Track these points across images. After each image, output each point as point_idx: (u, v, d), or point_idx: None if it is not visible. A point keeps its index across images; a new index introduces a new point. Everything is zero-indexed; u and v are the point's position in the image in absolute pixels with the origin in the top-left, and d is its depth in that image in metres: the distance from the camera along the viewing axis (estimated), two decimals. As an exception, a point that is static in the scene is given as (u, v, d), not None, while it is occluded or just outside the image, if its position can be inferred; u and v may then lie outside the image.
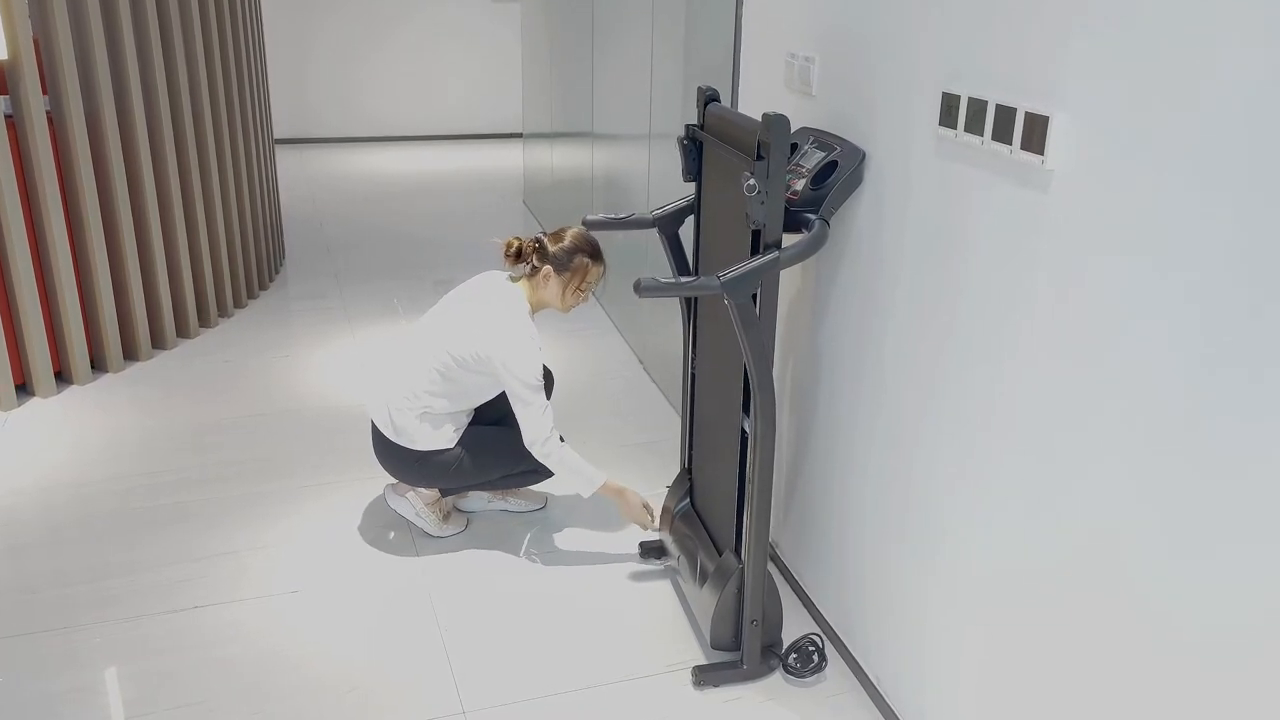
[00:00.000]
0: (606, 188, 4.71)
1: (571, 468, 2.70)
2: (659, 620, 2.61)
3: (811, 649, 2.40)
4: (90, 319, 3.94)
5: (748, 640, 2.35)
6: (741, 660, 2.38)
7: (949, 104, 1.84)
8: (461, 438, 2.80)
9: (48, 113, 3.62)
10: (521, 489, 3.12)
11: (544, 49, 5.91)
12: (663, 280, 2.02)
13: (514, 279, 2.78)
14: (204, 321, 4.55)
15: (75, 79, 3.63)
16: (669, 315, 3.84)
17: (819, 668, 2.41)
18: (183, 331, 4.39)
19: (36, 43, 3.59)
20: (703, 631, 2.51)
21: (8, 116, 3.53)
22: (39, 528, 2.94)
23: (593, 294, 2.82)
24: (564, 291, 2.73)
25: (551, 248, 2.70)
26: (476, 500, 3.09)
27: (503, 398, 2.90)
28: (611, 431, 3.64)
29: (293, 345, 4.37)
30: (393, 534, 2.96)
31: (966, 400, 1.89)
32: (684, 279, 2.03)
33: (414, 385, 2.74)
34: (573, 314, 4.79)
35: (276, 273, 5.38)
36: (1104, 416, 1.54)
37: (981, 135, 1.75)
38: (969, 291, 1.85)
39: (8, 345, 3.64)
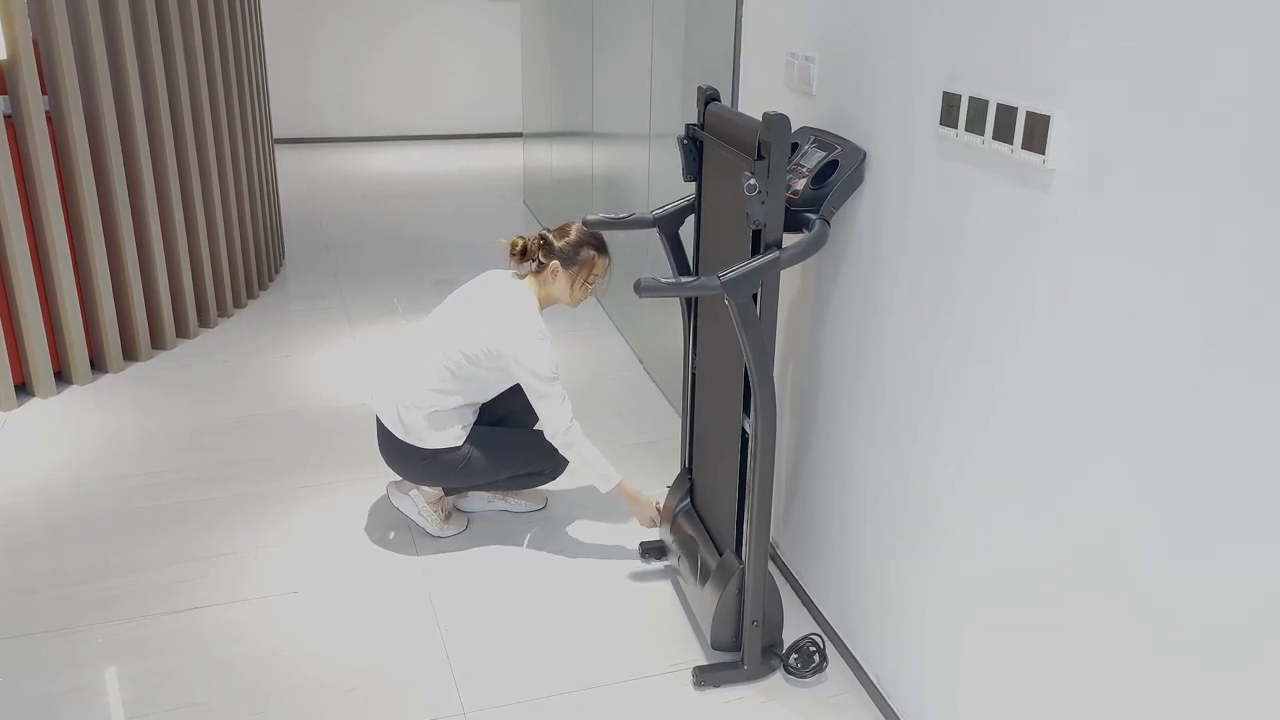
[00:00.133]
0: (607, 187, 4.71)
1: (590, 460, 2.71)
2: (659, 620, 2.61)
3: (812, 649, 2.40)
4: (90, 319, 3.94)
5: (748, 640, 2.35)
6: (742, 660, 2.38)
7: (950, 103, 1.84)
8: (469, 437, 2.80)
9: (47, 113, 3.62)
10: (523, 490, 3.12)
11: (544, 49, 5.91)
12: (663, 280, 2.01)
13: (519, 276, 2.78)
14: (204, 321, 4.55)
15: (74, 79, 3.63)
16: (669, 315, 3.84)
17: (820, 668, 2.41)
18: (182, 332, 4.38)
19: (36, 43, 3.59)
20: (703, 632, 2.51)
21: (7, 117, 3.52)
22: (39, 528, 2.94)
23: (598, 290, 2.83)
24: (572, 286, 2.74)
25: (557, 243, 2.71)
26: (477, 500, 3.09)
27: (505, 398, 2.90)
28: (612, 431, 3.64)
29: (292, 345, 4.37)
30: (393, 534, 2.95)
31: (966, 399, 1.89)
32: (684, 279, 2.03)
33: (424, 383, 2.73)
34: (573, 314, 4.79)
35: (276, 273, 5.38)
36: (1103, 416, 1.54)
37: (982, 135, 1.75)
38: (969, 291, 1.85)
39: (7, 345, 3.64)
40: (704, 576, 2.46)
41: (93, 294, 3.90)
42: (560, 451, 2.70)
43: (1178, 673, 1.44)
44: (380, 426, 2.82)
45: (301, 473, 3.30)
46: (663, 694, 2.35)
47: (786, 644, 2.42)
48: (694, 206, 2.54)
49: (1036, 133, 1.61)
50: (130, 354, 4.13)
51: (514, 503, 3.10)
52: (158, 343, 4.26)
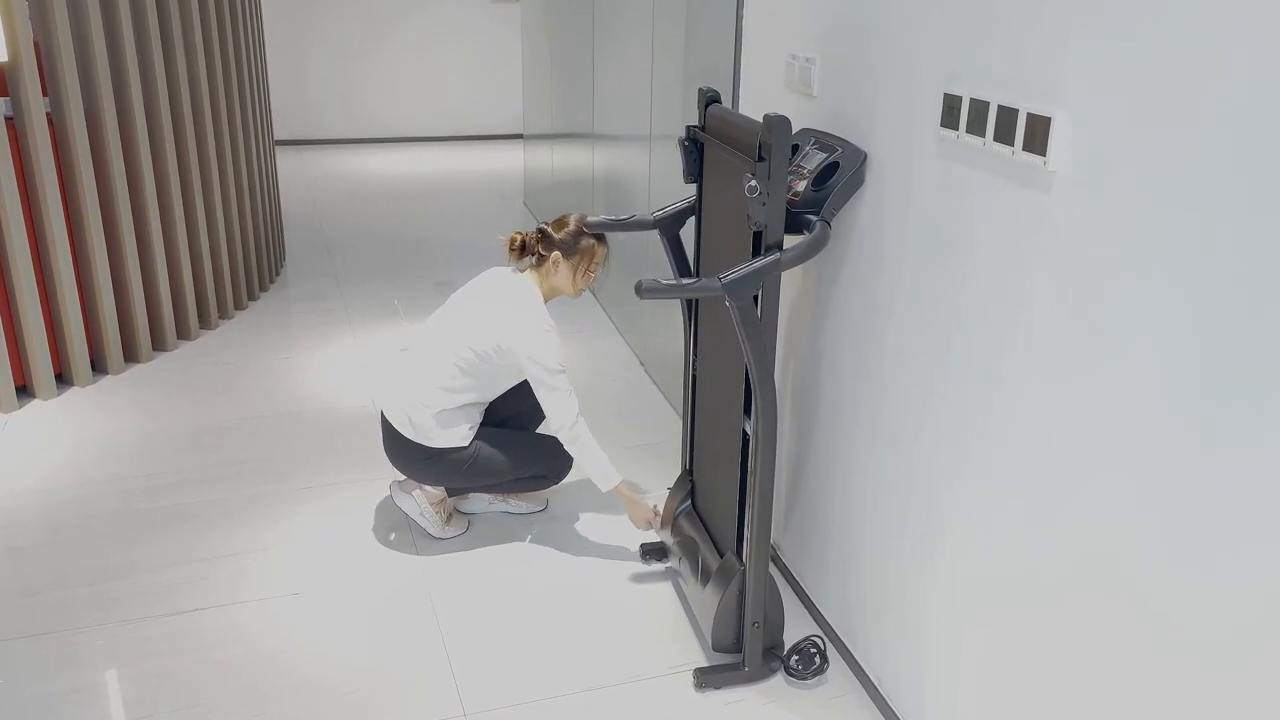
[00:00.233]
0: (607, 189, 4.71)
1: (594, 457, 2.71)
2: (660, 622, 2.61)
3: (813, 651, 2.40)
4: (91, 321, 3.94)
5: (749, 642, 2.35)
6: (743, 662, 2.38)
7: (950, 105, 1.84)
8: (475, 437, 2.80)
9: (48, 114, 3.62)
10: (525, 492, 3.12)
11: (544, 49, 5.91)
12: (664, 282, 2.01)
13: (520, 271, 2.79)
14: (204, 323, 4.55)
15: (75, 80, 3.63)
16: (670, 316, 3.84)
17: (820, 669, 2.40)
18: (183, 333, 4.38)
19: (37, 45, 3.59)
20: (704, 633, 2.51)
21: (8, 118, 3.52)
22: (39, 529, 2.94)
23: (596, 283, 2.86)
24: (574, 276, 2.76)
25: (557, 234, 2.73)
26: (478, 502, 3.08)
27: (510, 400, 2.90)
28: (613, 433, 3.64)
29: (293, 347, 4.37)
30: (393, 535, 2.95)
31: (967, 401, 1.89)
32: (685, 281, 2.03)
33: (433, 381, 2.73)
34: (573, 316, 4.79)
35: (277, 274, 5.38)
36: (1104, 419, 1.54)
37: (983, 136, 1.75)
38: (970, 292, 1.85)
39: (8, 347, 3.64)
40: (705, 578, 2.46)
41: (93, 295, 3.90)
42: (565, 446, 2.70)
43: (1177, 673, 1.44)
44: (386, 425, 2.82)
45: (302, 474, 3.30)
46: (663, 695, 2.34)
47: (787, 645, 2.42)
48: (695, 208, 2.54)
49: (1037, 134, 1.61)
50: (131, 355, 4.13)
51: (515, 504, 3.10)
52: (158, 344, 4.26)
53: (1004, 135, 1.69)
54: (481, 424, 2.86)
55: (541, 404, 2.69)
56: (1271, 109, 1.22)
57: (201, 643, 2.48)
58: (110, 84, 3.80)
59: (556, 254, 2.72)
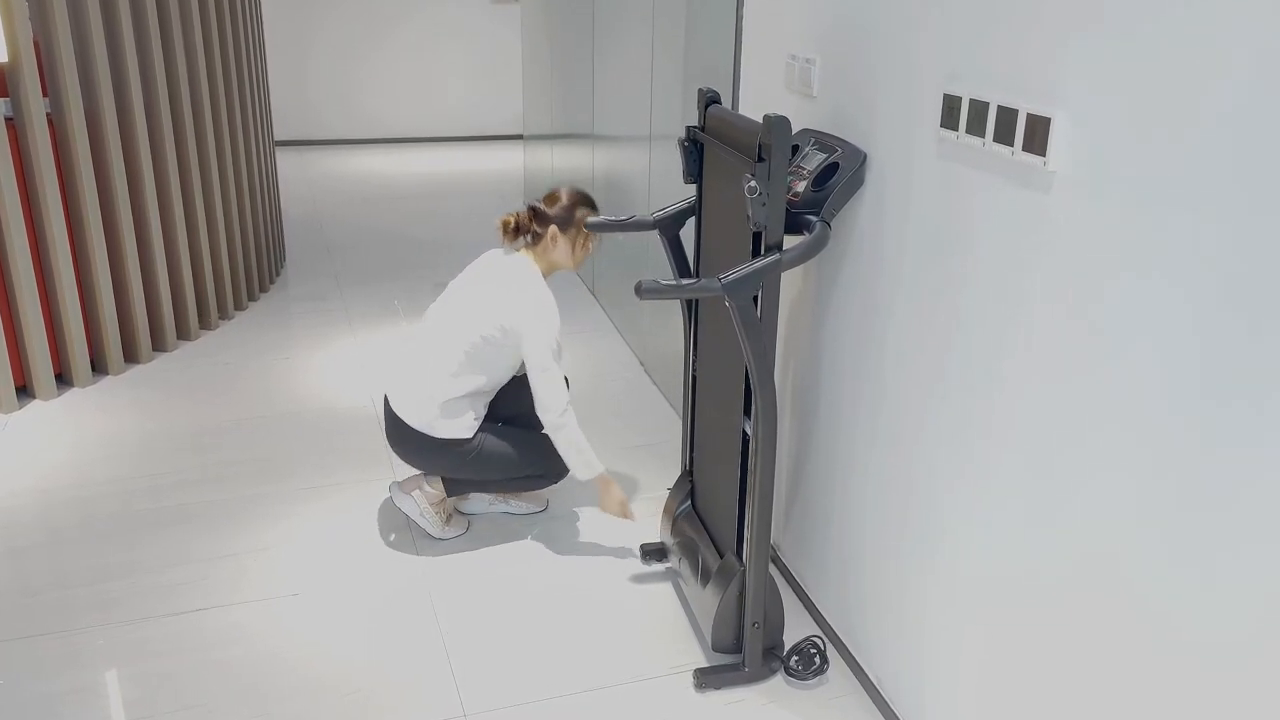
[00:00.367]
0: (607, 189, 4.71)
1: (578, 446, 2.71)
2: (660, 623, 2.61)
3: (813, 651, 2.40)
4: (91, 321, 3.94)
5: (749, 642, 2.35)
6: (743, 663, 2.38)
7: (950, 105, 1.84)
8: (479, 430, 2.79)
9: (48, 115, 3.62)
10: (524, 492, 3.12)
11: (544, 50, 5.91)
12: (664, 282, 2.01)
13: (516, 251, 2.79)
14: (204, 323, 4.55)
15: (75, 81, 3.63)
16: (670, 317, 3.84)
17: (820, 670, 2.40)
18: (183, 333, 4.39)
19: (37, 45, 3.59)
20: (704, 634, 2.51)
21: (8, 119, 3.52)
22: (39, 530, 2.94)
23: (593, 256, 2.86)
24: (573, 248, 2.77)
25: (550, 209, 2.73)
26: (478, 502, 3.09)
27: (512, 399, 2.90)
28: (613, 433, 3.64)
29: (293, 347, 4.37)
30: (393, 535, 2.95)
31: (967, 401, 1.89)
32: (685, 281, 2.03)
33: (440, 369, 2.73)
34: (573, 316, 4.79)
35: (277, 275, 5.38)
36: (1104, 419, 1.54)
37: (983, 137, 1.75)
38: (970, 292, 1.85)
39: (8, 348, 3.64)
40: (705, 578, 2.46)
41: (93, 296, 3.90)
42: (550, 433, 2.70)
43: (1177, 673, 1.44)
44: (389, 414, 2.82)
45: (302, 474, 3.30)
46: (664, 696, 2.34)
47: (787, 646, 2.42)
48: (695, 209, 2.54)
49: (1037, 135, 1.61)
50: (131, 356, 4.13)
51: (516, 504, 3.10)
52: (158, 344, 4.26)
53: (1004, 135, 1.69)
54: (487, 418, 2.86)
55: (533, 387, 2.68)
56: (1271, 109, 1.22)
57: (202, 643, 2.48)
58: (110, 84, 3.80)
59: (553, 228, 2.72)
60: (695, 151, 2.45)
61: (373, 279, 5.32)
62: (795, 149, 2.33)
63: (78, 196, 3.75)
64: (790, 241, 2.07)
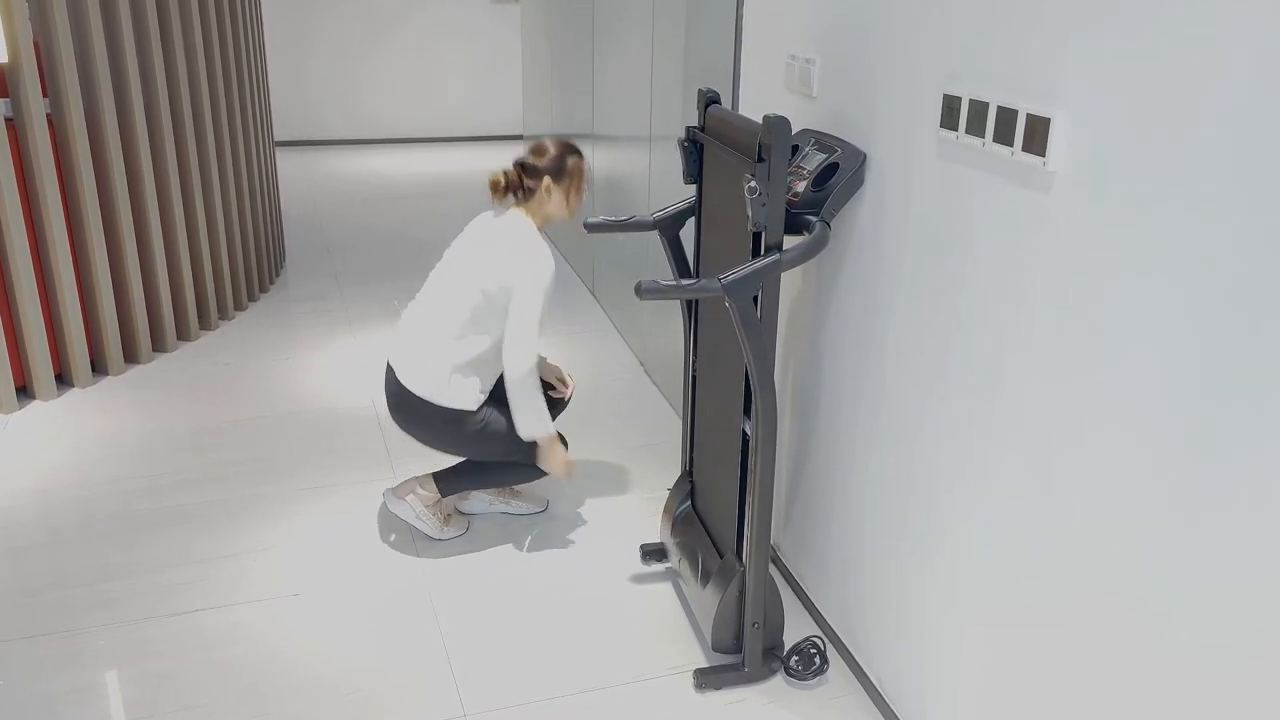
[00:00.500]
0: (607, 189, 4.71)
1: (537, 407, 2.68)
2: (660, 623, 2.61)
3: (813, 651, 2.40)
4: (91, 322, 3.94)
5: (749, 643, 2.35)
6: (743, 663, 2.38)
7: (950, 105, 1.84)
8: (485, 404, 2.76)
9: (48, 115, 3.62)
10: (524, 492, 3.12)
11: (544, 50, 5.91)
12: (664, 283, 2.02)
13: (508, 209, 2.76)
14: (204, 324, 4.55)
15: (75, 81, 3.63)
16: (670, 317, 3.84)
17: (820, 670, 2.40)
18: (183, 334, 4.39)
19: (37, 45, 3.59)
20: (704, 634, 2.51)
21: (8, 119, 3.53)
22: (39, 530, 2.94)
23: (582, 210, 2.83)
24: (568, 197, 2.75)
25: (541, 162, 2.70)
26: (478, 502, 3.09)
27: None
28: (613, 434, 3.64)
29: (293, 348, 4.37)
30: (393, 535, 2.95)
31: (967, 401, 1.89)
32: (685, 281, 2.03)
33: (445, 332, 2.69)
34: (573, 316, 4.79)
35: (277, 275, 5.38)
36: (1104, 419, 1.54)
37: (983, 137, 1.75)
38: (970, 293, 1.85)
39: (9, 348, 3.65)
40: (705, 578, 2.46)
41: (94, 296, 3.90)
42: (510, 390, 2.65)
43: (1177, 674, 1.44)
44: (391, 382, 2.77)
45: (302, 475, 3.30)
46: (664, 696, 2.35)
47: (787, 646, 2.42)
48: (694, 209, 2.54)
49: (1037, 135, 1.61)
50: (131, 356, 4.14)
51: (515, 505, 3.10)
52: (158, 345, 4.26)
53: (1003, 136, 1.69)
54: (491, 400, 2.82)
55: (506, 340, 2.63)
56: (1271, 109, 1.23)
57: (202, 643, 2.48)
58: (110, 84, 3.80)
59: (547, 180, 2.69)
60: (695, 152, 2.45)
61: (373, 279, 5.32)
62: (795, 149, 2.33)
63: (78, 197, 3.75)
64: (790, 242, 2.07)
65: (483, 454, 2.83)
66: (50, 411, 3.69)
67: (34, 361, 3.71)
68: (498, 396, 2.87)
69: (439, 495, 2.90)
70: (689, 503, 2.73)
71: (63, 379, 3.89)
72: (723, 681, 2.37)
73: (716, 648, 2.40)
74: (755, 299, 2.06)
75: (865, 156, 2.17)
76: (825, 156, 2.22)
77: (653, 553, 2.85)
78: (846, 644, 2.47)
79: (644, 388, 4.07)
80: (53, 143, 3.63)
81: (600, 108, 4.72)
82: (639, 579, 2.79)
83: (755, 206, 2.01)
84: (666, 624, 2.61)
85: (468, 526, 3.01)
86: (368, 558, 2.85)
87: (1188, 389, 1.38)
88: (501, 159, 8.43)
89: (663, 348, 3.99)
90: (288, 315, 4.79)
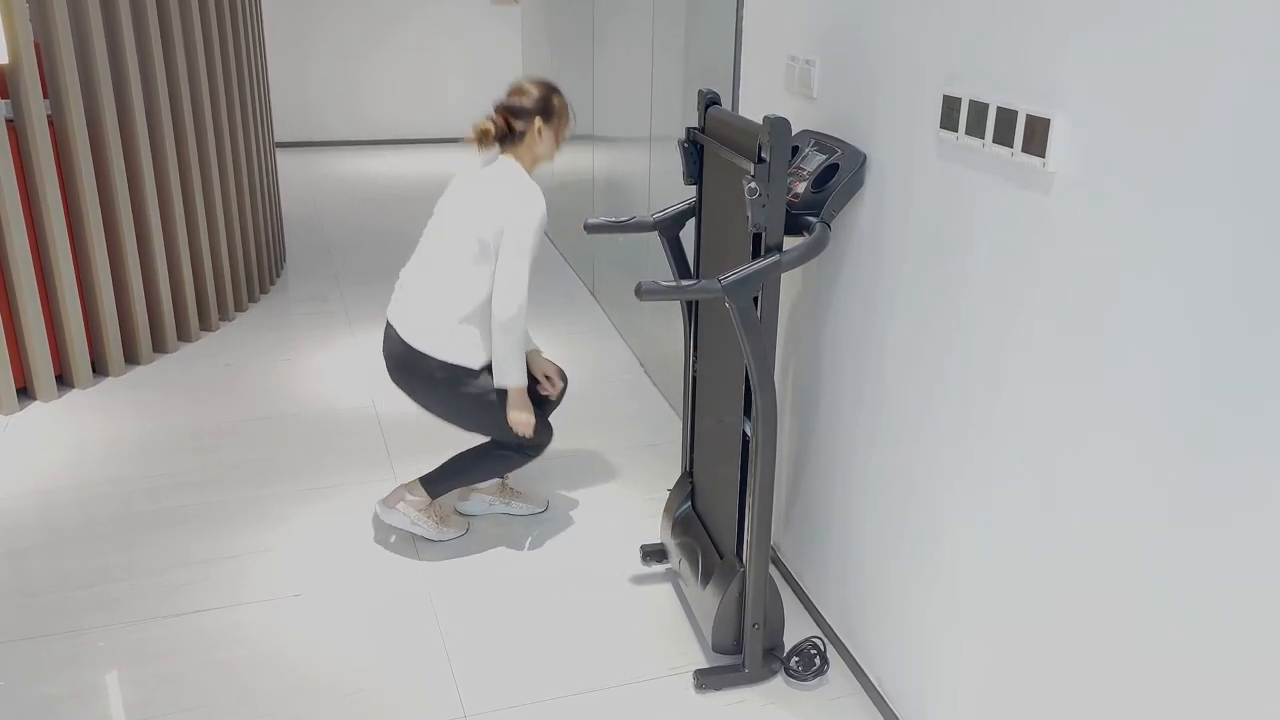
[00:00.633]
0: (607, 190, 4.71)
1: (516, 354, 2.65)
2: (660, 624, 2.61)
3: (813, 652, 2.40)
4: (91, 322, 3.94)
5: (749, 643, 2.35)
6: (743, 663, 2.38)
7: (950, 106, 1.84)
8: (488, 371, 2.73)
9: (48, 116, 3.62)
10: (524, 493, 3.12)
11: (545, 51, 5.91)
12: (664, 284, 2.02)
13: (495, 158, 2.72)
14: (205, 325, 4.55)
15: (76, 82, 3.63)
16: (670, 318, 3.84)
17: (821, 671, 2.41)
18: (184, 335, 4.39)
19: (37, 46, 3.59)
20: (704, 635, 2.51)
21: (9, 120, 3.53)
22: (40, 531, 2.94)
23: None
24: (556, 137, 2.72)
25: (526, 102, 2.66)
26: (479, 503, 3.09)
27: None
28: (613, 434, 3.64)
29: (293, 348, 4.37)
30: (394, 536, 2.95)
31: (967, 402, 1.89)
32: (685, 282, 2.03)
33: (441, 284, 2.66)
34: (574, 317, 4.80)
35: (277, 276, 5.38)
36: (1104, 419, 1.54)
37: (983, 138, 1.75)
38: (970, 294, 1.85)
39: (9, 349, 3.65)
40: (705, 579, 2.46)
41: (94, 297, 3.90)
42: (495, 332, 2.63)
43: (1176, 675, 1.44)
44: (391, 340, 2.73)
45: (302, 475, 3.30)
46: (664, 697, 2.35)
47: (787, 647, 2.42)
48: (695, 210, 2.54)
49: (1036, 135, 1.61)
50: (131, 357, 4.14)
51: (516, 505, 3.10)
52: (159, 346, 4.27)
53: (1003, 137, 1.70)
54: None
55: (500, 275, 2.60)
56: (1271, 109, 1.23)
57: (203, 644, 2.48)
58: (110, 86, 3.80)
59: (538, 121, 2.66)
60: (695, 153, 2.45)
61: (373, 280, 5.32)
62: (795, 150, 2.34)
63: (78, 198, 3.75)
64: (790, 242, 2.07)
65: (475, 423, 2.79)
66: (51, 412, 3.69)
67: (34, 362, 3.71)
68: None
69: (428, 498, 2.90)
70: (689, 503, 2.73)
71: (63, 380, 3.89)
72: (723, 682, 2.37)
73: (717, 648, 2.41)
74: (755, 300, 2.06)
75: (865, 157, 2.17)
76: (825, 157, 2.22)
77: (653, 553, 2.85)
78: (846, 644, 2.47)
79: (644, 388, 4.07)
80: (53, 144, 3.63)
81: (600, 108, 4.72)
82: (639, 579, 2.79)
83: (755, 207, 2.01)
84: (667, 624, 2.61)
85: (468, 527, 3.01)
86: (368, 558, 2.86)
87: (1188, 389, 1.38)
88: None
89: (663, 348, 3.99)
90: (288, 316, 4.79)
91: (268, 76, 5.64)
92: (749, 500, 2.24)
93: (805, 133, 2.39)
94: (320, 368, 4.17)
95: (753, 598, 2.31)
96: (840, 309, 2.35)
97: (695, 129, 2.43)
